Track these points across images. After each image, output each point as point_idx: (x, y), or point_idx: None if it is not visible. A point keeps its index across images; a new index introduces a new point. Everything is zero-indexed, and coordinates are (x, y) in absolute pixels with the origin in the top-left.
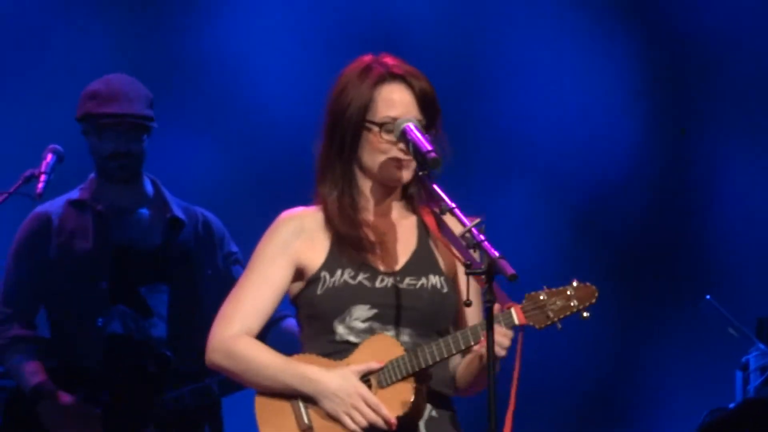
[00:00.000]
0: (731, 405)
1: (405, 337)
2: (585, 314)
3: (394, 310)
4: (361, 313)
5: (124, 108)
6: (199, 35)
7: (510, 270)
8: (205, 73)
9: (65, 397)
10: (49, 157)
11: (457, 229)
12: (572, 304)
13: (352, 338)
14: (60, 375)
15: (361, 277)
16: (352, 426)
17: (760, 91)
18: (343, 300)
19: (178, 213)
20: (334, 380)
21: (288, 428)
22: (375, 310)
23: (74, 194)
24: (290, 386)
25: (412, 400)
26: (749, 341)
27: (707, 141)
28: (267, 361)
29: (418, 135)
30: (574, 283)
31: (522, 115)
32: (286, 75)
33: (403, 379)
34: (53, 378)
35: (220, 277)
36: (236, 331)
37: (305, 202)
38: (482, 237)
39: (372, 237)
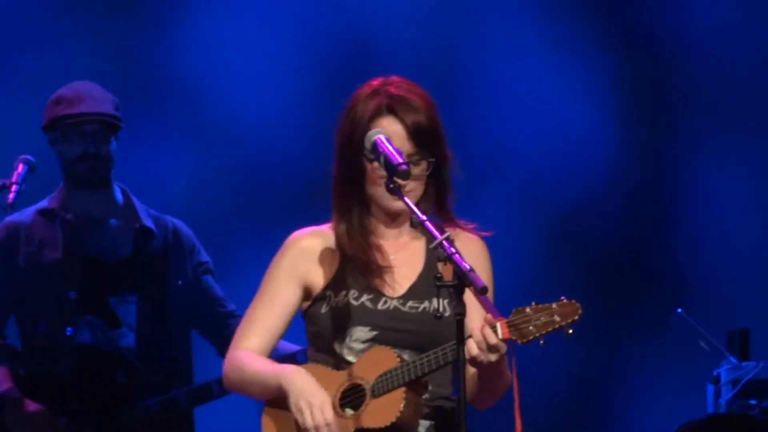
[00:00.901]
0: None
1: (405, 356)
2: (569, 331)
3: (395, 333)
4: (361, 334)
5: (90, 107)
6: (173, 41)
7: (480, 282)
8: (178, 80)
9: (32, 406)
10: (21, 167)
11: (462, 249)
12: (555, 319)
13: (351, 358)
14: (29, 383)
15: (364, 298)
16: (301, 423)
17: (734, 102)
18: (344, 321)
19: (148, 223)
20: (299, 381)
21: None
22: (375, 332)
23: (43, 203)
24: (273, 388)
25: (401, 408)
26: (720, 354)
27: (680, 154)
28: (258, 369)
29: (389, 147)
30: (562, 300)
31: (497, 123)
32: (261, 81)
33: (395, 388)
34: (22, 385)
35: (190, 287)
36: (243, 350)
37: (278, 209)
38: (453, 250)
39: (380, 261)
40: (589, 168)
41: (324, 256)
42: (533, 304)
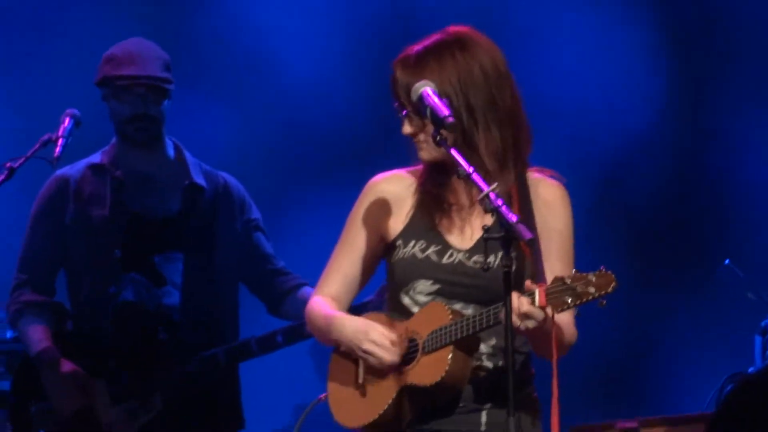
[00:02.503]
0: (750, 369)
1: (470, 310)
2: (602, 302)
3: (458, 287)
4: (424, 287)
5: (139, 70)
6: (222, 1)
7: (527, 234)
8: (226, 39)
9: (67, 366)
10: (67, 121)
11: (536, 198)
12: (590, 290)
13: (415, 309)
14: (73, 339)
15: (431, 250)
16: (364, 359)
17: None
18: (408, 273)
19: (198, 179)
20: (349, 327)
21: (345, 385)
22: (438, 286)
23: (95, 158)
24: (334, 338)
25: (446, 368)
26: None
27: (728, 105)
28: (323, 316)
29: (436, 100)
30: (600, 270)
31: (541, 82)
32: (308, 40)
33: (444, 346)
34: (65, 341)
35: (240, 244)
36: (319, 296)
37: (325, 167)
38: (500, 202)
39: (452, 200)
40: (635, 122)
41: (400, 202)
42: (573, 271)
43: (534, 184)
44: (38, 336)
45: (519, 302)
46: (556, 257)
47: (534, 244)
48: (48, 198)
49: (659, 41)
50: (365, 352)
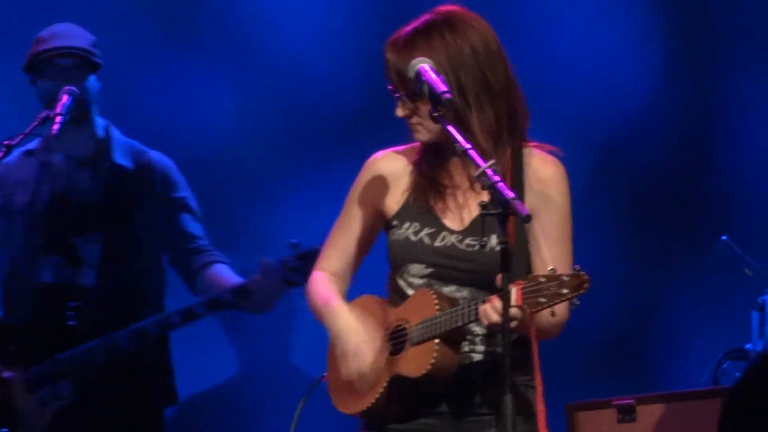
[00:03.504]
0: (747, 345)
1: (464, 293)
2: (575, 302)
3: (451, 271)
4: (417, 270)
5: (62, 42)
6: None
7: (524, 211)
8: (226, 18)
9: None
10: (65, 98)
11: (531, 175)
12: (563, 292)
13: (410, 292)
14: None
15: (423, 233)
16: (342, 371)
17: None
18: (401, 256)
19: (120, 160)
20: (340, 323)
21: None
22: (431, 269)
23: (32, 144)
24: (326, 324)
25: (432, 361)
26: (765, 281)
27: (726, 80)
28: (321, 298)
29: (433, 76)
30: (575, 269)
31: (539, 57)
32: (308, 20)
33: (431, 338)
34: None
35: (162, 224)
36: (320, 270)
37: (324, 149)
38: (497, 178)
39: (447, 183)
40: (632, 96)
41: (397, 181)
42: (549, 270)
43: (529, 161)
44: None
45: (495, 305)
46: (547, 236)
47: (529, 221)
48: None
49: (658, 13)
50: (339, 354)
